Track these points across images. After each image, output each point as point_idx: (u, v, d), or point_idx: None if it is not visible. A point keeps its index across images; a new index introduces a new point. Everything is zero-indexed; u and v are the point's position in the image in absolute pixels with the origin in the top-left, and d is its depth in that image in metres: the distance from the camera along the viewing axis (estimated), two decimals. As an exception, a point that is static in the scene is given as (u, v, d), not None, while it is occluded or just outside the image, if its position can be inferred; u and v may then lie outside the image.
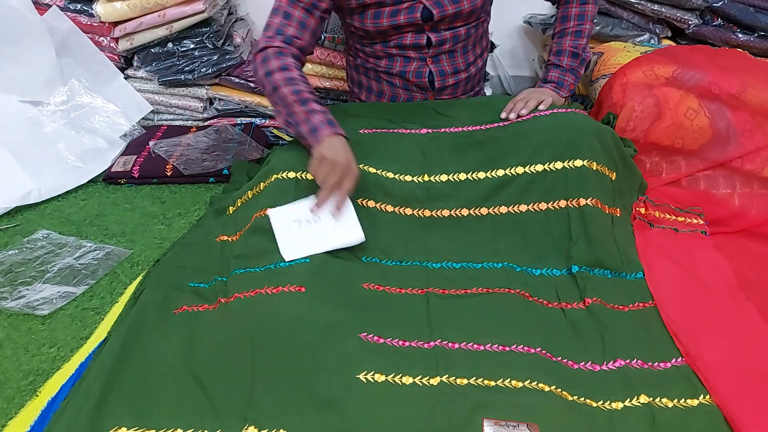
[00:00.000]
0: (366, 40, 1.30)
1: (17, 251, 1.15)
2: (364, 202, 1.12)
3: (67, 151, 1.50)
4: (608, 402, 0.78)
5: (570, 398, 0.78)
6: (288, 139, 1.69)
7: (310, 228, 1.00)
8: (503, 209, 1.10)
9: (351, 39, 1.36)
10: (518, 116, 1.18)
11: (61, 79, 1.61)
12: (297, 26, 1.16)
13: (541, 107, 1.21)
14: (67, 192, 1.41)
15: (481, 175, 1.12)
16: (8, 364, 0.89)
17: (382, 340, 0.85)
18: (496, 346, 0.85)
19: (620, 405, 0.78)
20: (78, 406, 0.76)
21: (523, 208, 1.09)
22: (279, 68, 1.11)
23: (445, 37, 1.26)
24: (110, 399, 0.77)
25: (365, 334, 0.85)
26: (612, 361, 0.84)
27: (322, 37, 1.65)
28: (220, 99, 1.70)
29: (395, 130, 1.25)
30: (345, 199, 1.02)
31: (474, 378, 0.79)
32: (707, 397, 0.79)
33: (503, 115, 1.21)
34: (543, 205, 1.08)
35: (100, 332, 0.93)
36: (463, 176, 1.13)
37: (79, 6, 1.63)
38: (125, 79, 1.69)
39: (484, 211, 1.10)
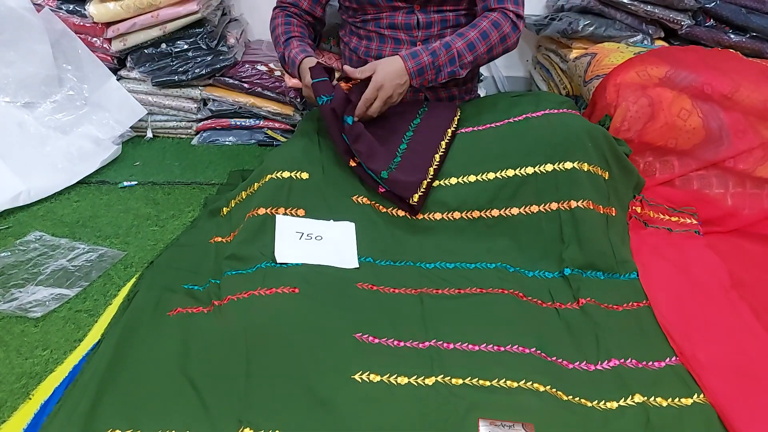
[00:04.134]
0: (359, 17, 1.34)
1: (9, 253, 1.14)
2: (359, 199, 1.12)
3: (57, 153, 1.49)
4: (603, 402, 0.78)
5: (565, 398, 0.78)
6: (282, 139, 1.69)
7: (310, 243, 1.02)
8: (495, 212, 1.10)
9: (345, 23, 1.41)
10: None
11: (56, 80, 1.60)
12: None
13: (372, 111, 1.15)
14: (60, 193, 1.40)
15: (472, 178, 1.13)
16: (1, 367, 0.88)
17: (377, 341, 0.85)
18: (491, 346, 0.85)
19: (615, 404, 0.78)
20: (71, 409, 0.76)
21: (515, 211, 1.09)
22: (272, 29, 1.39)
23: (434, 19, 1.30)
24: (104, 402, 0.77)
25: (360, 334, 0.85)
26: (606, 361, 0.84)
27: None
28: (214, 100, 1.70)
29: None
30: None
31: (469, 378, 0.80)
32: (701, 396, 0.79)
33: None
34: (534, 208, 1.08)
35: (94, 334, 0.93)
36: (454, 180, 1.13)
37: (71, 6, 1.62)
38: (118, 80, 1.68)
39: (476, 214, 1.11)
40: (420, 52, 1.18)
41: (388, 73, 1.14)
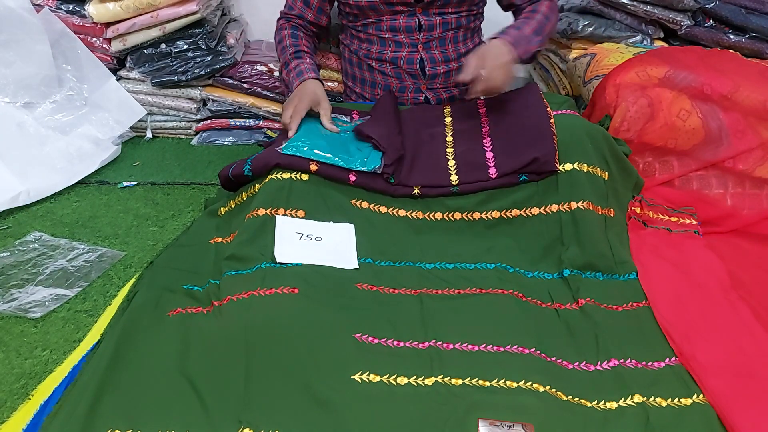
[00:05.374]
0: (360, 21, 1.34)
1: (9, 254, 1.14)
2: (357, 203, 1.12)
3: (57, 153, 1.49)
4: (603, 402, 0.78)
5: (565, 398, 0.78)
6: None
7: (310, 243, 1.02)
8: (495, 214, 1.10)
9: (346, 27, 1.40)
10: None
11: (56, 81, 1.60)
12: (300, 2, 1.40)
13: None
14: (60, 194, 1.40)
15: None
16: (0, 368, 0.88)
17: (376, 341, 0.85)
18: (491, 346, 0.85)
19: (614, 405, 0.78)
20: (71, 410, 0.76)
21: (515, 212, 1.10)
22: (277, 42, 1.40)
23: (435, 22, 1.30)
24: (103, 402, 0.77)
25: (360, 334, 0.85)
26: (606, 361, 0.85)
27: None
28: (213, 100, 1.70)
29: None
30: (298, 116, 1.19)
31: (469, 378, 0.80)
32: (701, 396, 0.79)
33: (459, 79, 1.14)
34: (535, 210, 1.09)
35: (93, 335, 0.93)
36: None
37: (71, 7, 1.62)
38: (117, 80, 1.68)
39: (476, 215, 1.11)
40: (506, 31, 1.22)
41: (494, 57, 1.13)
